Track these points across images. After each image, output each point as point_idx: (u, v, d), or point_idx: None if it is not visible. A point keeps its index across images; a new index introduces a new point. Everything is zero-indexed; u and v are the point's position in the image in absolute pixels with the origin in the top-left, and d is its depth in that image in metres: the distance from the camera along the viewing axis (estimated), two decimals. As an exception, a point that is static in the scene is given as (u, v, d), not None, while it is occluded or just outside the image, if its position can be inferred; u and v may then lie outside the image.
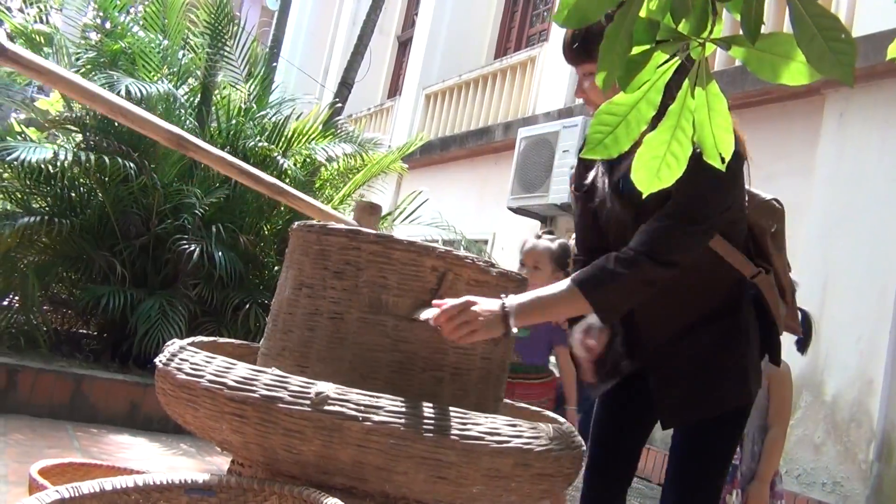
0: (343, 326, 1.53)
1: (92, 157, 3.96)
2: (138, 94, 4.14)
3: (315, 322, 1.55)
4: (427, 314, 1.47)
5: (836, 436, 4.15)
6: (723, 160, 1.02)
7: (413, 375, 1.52)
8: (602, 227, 1.79)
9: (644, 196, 1.06)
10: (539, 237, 2.88)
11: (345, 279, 1.54)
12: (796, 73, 0.93)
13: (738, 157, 1.58)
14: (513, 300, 1.52)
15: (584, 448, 1.72)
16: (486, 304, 1.48)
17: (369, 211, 1.84)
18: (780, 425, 2.34)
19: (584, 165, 1.85)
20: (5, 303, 4.26)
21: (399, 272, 1.51)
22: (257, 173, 1.71)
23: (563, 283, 1.59)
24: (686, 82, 0.98)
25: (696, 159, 1.40)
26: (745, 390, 1.70)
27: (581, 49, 1.67)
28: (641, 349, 1.78)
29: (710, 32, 0.93)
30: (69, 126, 4.52)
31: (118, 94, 4.21)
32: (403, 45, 12.00)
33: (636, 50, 0.94)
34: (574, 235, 1.98)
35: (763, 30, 0.93)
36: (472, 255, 1.57)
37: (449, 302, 1.47)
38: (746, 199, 1.71)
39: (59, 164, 4.00)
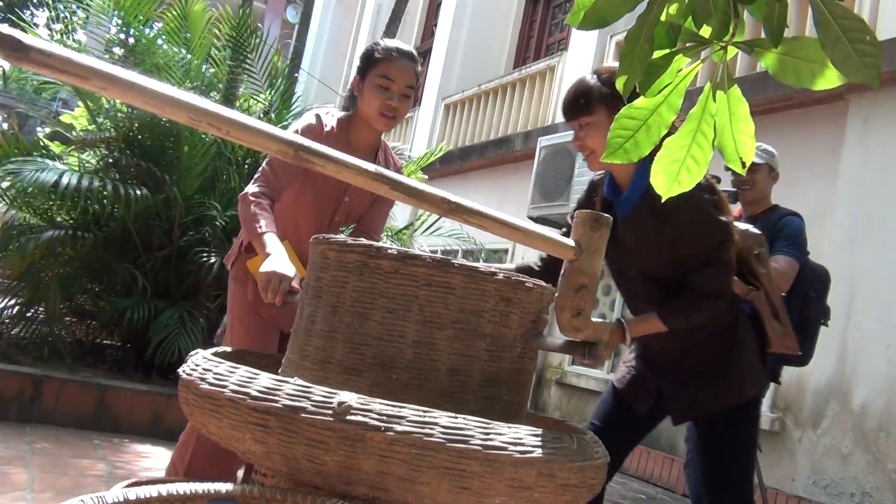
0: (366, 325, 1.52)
1: (95, 182, 3.97)
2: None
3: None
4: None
5: (865, 445, 4.08)
6: (743, 165, 1.01)
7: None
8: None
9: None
10: None
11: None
12: (820, 77, 0.91)
13: (710, 190, 1.89)
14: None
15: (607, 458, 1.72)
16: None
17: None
18: None
19: (592, 188, 2.19)
20: (30, 314, 4.31)
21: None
22: (484, 210, 1.62)
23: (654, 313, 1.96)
24: (707, 86, 0.97)
25: (693, 218, 1.89)
26: (738, 390, 2.01)
27: (583, 104, 2.07)
28: (658, 365, 2.13)
29: (733, 36, 0.92)
30: (95, 143, 4.58)
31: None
32: (422, 55, 12.04)
33: (657, 54, 0.93)
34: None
35: (786, 33, 0.91)
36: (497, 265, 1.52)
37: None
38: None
39: (70, 182, 4.00)
